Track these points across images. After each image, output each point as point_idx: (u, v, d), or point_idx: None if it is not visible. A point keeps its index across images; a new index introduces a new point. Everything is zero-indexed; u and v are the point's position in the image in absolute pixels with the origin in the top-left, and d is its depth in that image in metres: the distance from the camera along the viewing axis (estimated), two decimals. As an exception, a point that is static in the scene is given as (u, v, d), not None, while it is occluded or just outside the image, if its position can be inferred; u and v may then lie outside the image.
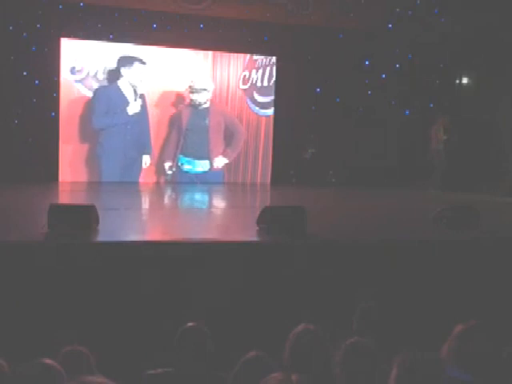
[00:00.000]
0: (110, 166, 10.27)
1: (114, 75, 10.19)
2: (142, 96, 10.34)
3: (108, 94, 10.17)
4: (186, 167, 10.73)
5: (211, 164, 10.86)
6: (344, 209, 8.19)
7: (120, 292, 4.54)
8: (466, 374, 2.31)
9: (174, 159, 10.65)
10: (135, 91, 10.28)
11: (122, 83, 10.23)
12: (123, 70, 10.21)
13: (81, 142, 10.14)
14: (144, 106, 10.36)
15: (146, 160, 10.48)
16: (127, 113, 10.25)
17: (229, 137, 11.01)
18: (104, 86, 10.15)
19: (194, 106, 10.65)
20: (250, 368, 2.58)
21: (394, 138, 11.12)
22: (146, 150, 10.49)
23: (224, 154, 10.97)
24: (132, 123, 10.31)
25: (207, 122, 10.78)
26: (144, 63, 10.33)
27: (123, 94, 10.24)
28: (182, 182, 10.58)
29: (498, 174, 10.53)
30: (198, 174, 10.77)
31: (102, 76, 10.16)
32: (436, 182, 10.55)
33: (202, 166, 10.82)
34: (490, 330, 2.41)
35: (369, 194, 10.13)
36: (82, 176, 10.14)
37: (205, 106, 10.74)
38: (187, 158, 10.72)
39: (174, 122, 10.63)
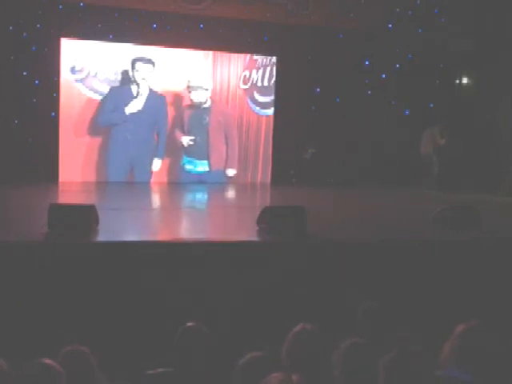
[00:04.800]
0: (110, 166, 10.26)
1: (126, 76, 10.23)
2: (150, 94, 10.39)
3: (117, 94, 10.21)
4: (188, 167, 10.74)
5: (209, 165, 10.86)
6: (344, 209, 8.18)
7: (120, 292, 4.54)
8: (467, 373, 2.31)
9: (178, 159, 10.67)
10: (138, 91, 10.30)
11: (132, 84, 10.28)
12: (132, 71, 10.25)
13: (81, 142, 10.13)
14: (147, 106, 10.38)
15: (157, 164, 10.52)
16: (128, 111, 10.24)
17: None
18: (116, 87, 10.20)
19: (194, 105, 10.65)
20: (250, 368, 2.58)
21: (394, 138, 11.10)
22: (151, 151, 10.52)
23: (228, 162, 10.97)
24: (133, 122, 10.31)
25: (207, 121, 10.78)
26: (152, 63, 10.34)
27: (132, 94, 10.28)
28: (184, 182, 10.58)
29: (498, 173, 10.53)
30: (199, 174, 10.78)
31: (102, 76, 10.14)
32: (430, 184, 10.54)
33: (202, 166, 10.84)
34: (491, 330, 2.41)
35: (369, 193, 10.13)
36: (82, 176, 10.13)
37: (205, 105, 10.74)
38: (189, 158, 10.73)
39: (177, 122, 10.63)
